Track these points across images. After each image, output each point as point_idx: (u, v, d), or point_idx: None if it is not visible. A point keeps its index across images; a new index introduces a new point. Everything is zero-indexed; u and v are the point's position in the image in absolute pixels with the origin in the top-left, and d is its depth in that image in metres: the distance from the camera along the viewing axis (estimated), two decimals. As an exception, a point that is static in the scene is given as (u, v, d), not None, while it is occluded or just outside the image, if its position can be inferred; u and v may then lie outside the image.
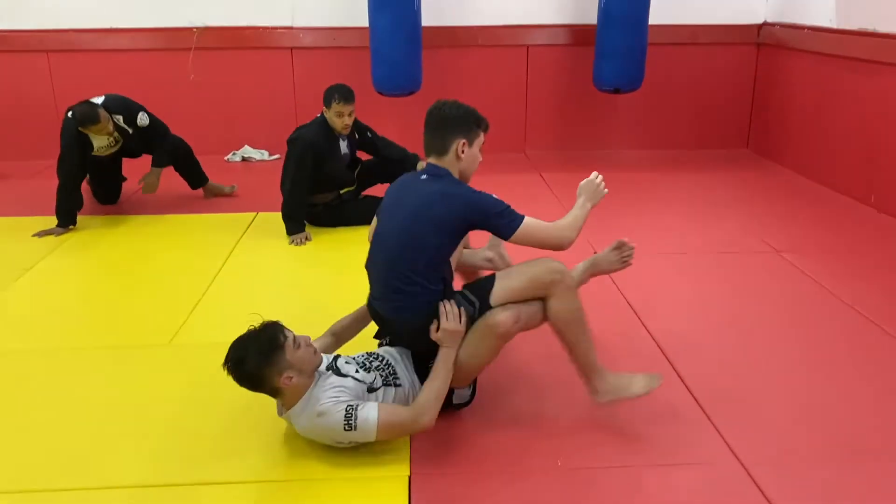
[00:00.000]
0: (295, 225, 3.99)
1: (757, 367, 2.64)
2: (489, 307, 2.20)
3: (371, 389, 2.14)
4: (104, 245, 3.99)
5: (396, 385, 2.21)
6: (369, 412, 2.02)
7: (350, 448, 2.10)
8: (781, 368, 2.64)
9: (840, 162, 4.75)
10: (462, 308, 2.19)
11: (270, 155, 5.71)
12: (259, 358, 2.01)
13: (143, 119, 4.33)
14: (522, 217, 2.24)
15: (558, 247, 2.28)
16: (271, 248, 3.92)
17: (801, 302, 3.18)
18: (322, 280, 3.53)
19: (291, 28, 5.62)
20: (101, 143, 4.26)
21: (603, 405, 2.26)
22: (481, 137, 2.33)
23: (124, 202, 4.70)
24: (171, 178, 4.66)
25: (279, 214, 4.07)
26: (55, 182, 4.21)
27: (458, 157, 2.27)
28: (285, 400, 2.11)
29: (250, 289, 3.42)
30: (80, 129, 4.09)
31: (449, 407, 2.26)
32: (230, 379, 2.07)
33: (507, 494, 2.00)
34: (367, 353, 2.31)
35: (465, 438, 2.24)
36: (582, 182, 2.45)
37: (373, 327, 2.49)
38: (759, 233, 3.98)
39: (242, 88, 5.68)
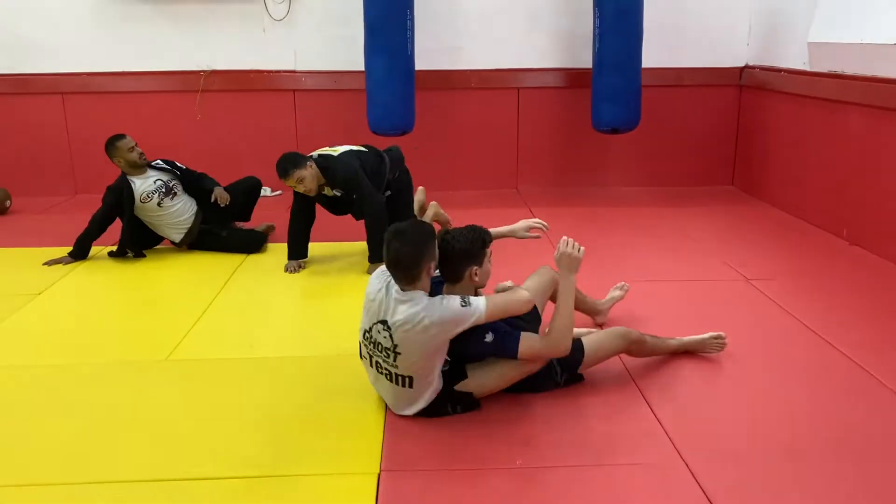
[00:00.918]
0: (290, 253, 4.21)
1: (713, 381, 2.81)
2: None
3: None
4: (112, 272, 4.22)
5: None
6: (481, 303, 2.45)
7: (322, 444, 2.30)
8: (737, 381, 2.81)
9: (814, 197, 4.96)
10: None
11: (273, 191, 5.96)
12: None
13: (179, 165, 4.62)
14: (517, 341, 2.49)
15: (561, 354, 2.57)
16: (270, 276, 4.14)
17: (763, 324, 3.35)
18: (314, 305, 3.73)
19: (294, 71, 5.92)
20: (145, 185, 4.40)
21: None
22: (488, 252, 2.59)
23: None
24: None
25: (280, 244, 4.36)
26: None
27: (472, 280, 2.54)
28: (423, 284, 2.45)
29: (246, 311, 3.62)
30: (111, 155, 4.38)
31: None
32: (218, 388, 2.28)
33: (471, 493, 2.17)
34: None
35: (437, 438, 2.43)
36: (556, 254, 2.64)
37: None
38: (732, 262, 4.16)
39: (247, 128, 5.97)
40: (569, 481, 2.23)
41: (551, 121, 6.10)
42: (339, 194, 4.16)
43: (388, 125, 5.33)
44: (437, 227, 4.44)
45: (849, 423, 2.52)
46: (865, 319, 3.38)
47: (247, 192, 4.74)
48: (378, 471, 2.25)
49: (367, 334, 2.50)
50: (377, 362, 2.49)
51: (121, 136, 4.43)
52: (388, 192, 4.27)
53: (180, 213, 4.50)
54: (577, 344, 2.66)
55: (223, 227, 4.60)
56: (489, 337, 2.47)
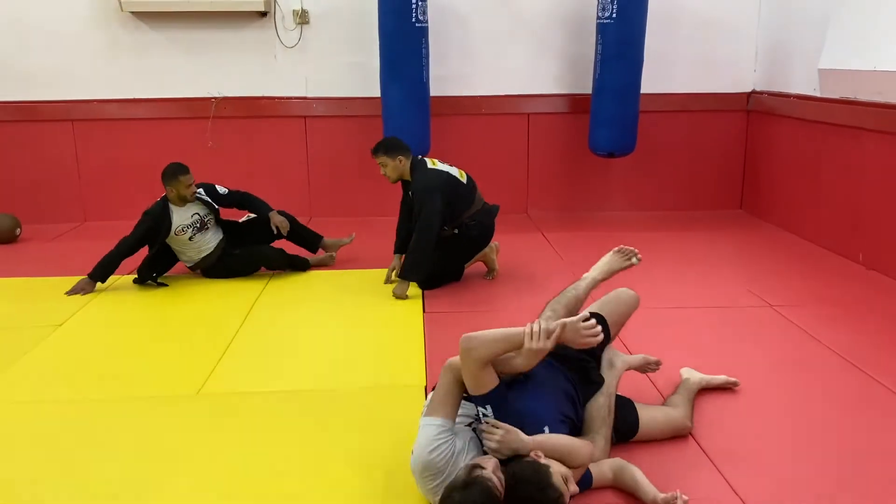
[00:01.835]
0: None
1: (751, 412, 2.80)
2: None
3: None
4: (131, 301, 4.18)
5: None
6: None
7: (364, 482, 2.27)
8: (774, 414, 2.80)
9: (828, 222, 4.99)
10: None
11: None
12: None
13: (221, 189, 4.59)
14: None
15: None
16: (294, 302, 4.13)
17: (798, 353, 3.35)
18: (344, 333, 3.71)
19: (305, 98, 5.93)
20: (182, 218, 4.36)
21: None
22: None
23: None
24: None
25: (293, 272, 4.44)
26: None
27: None
28: None
29: (272, 340, 3.60)
30: (168, 184, 4.29)
31: None
32: (253, 423, 2.24)
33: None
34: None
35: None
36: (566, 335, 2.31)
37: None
38: (753, 288, 4.17)
39: (258, 155, 5.96)
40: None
41: (560, 146, 6.13)
42: (410, 197, 4.26)
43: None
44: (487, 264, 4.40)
45: None
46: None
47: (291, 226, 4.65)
48: (429, 508, 2.22)
49: None
50: None
51: (184, 170, 4.33)
52: (456, 231, 4.26)
53: (207, 243, 4.49)
54: (632, 425, 2.57)
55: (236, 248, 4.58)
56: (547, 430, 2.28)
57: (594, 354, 2.64)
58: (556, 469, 2.08)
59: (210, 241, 4.50)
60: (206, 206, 4.48)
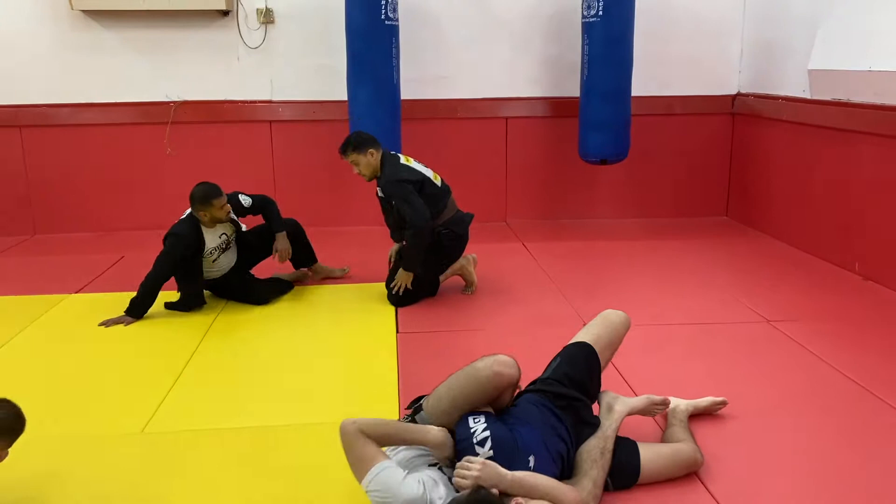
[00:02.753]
0: None
1: (759, 445, 2.54)
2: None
3: None
4: (71, 327, 3.79)
5: None
6: None
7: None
8: (784, 447, 2.54)
9: (821, 228, 4.77)
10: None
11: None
12: None
13: (245, 200, 4.13)
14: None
15: None
16: (252, 322, 3.79)
17: (801, 373, 3.10)
18: (305, 363, 3.38)
19: (270, 102, 5.60)
20: (213, 240, 3.95)
21: None
22: None
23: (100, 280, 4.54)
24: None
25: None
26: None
27: None
28: None
29: (228, 369, 3.27)
30: (201, 208, 3.84)
31: None
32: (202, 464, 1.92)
33: None
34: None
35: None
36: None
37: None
38: (748, 302, 3.92)
39: (220, 162, 5.61)
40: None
41: (540, 151, 5.87)
42: (381, 195, 4.01)
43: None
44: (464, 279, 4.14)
45: (919, 492, 2.26)
46: (902, 365, 3.16)
47: (296, 237, 4.25)
48: None
49: None
50: None
51: (216, 192, 3.85)
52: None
53: (223, 264, 4.08)
54: (633, 468, 2.26)
55: (237, 273, 4.15)
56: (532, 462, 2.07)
57: (587, 392, 2.36)
58: None
59: (228, 262, 4.10)
60: (233, 224, 4.08)
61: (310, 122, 5.60)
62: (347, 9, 4.91)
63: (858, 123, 4.36)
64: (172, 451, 2.56)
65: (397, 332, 3.61)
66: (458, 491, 1.93)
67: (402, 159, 4.03)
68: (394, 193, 3.87)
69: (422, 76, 5.55)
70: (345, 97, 5.13)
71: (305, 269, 4.43)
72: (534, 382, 2.42)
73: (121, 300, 3.88)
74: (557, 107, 5.74)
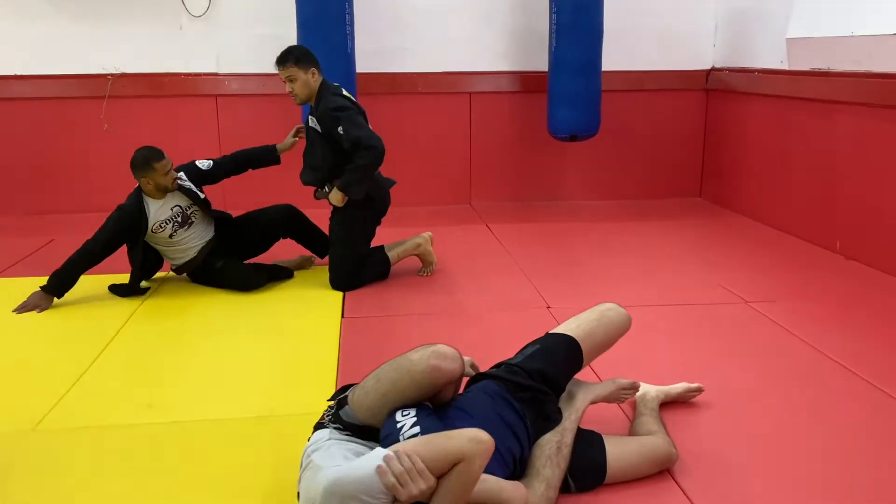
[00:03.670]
0: None
1: (739, 437, 2.24)
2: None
3: None
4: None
5: None
6: None
7: None
8: (767, 437, 2.25)
9: (800, 207, 4.51)
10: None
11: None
12: None
13: (203, 163, 3.76)
14: None
15: None
16: (185, 307, 3.44)
17: (781, 355, 2.82)
18: (226, 355, 3.03)
19: (216, 74, 5.23)
20: (161, 212, 3.56)
21: None
22: None
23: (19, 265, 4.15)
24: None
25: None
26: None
27: None
28: None
29: (151, 358, 2.91)
30: (142, 175, 3.47)
31: None
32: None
33: None
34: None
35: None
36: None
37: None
38: (725, 283, 3.65)
39: (163, 139, 5.08)
40: None
41: (506, 128, 5.56)
42: (317, 128, 3.55)
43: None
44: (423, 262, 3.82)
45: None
46: (888, 345, 2.89)
47: (277, 223, 3.89)
48: None
49: None
50: None
51: (158, 155, 3.48)
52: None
53: (191, 241, 3.68)
54: (598, 466, 1.96)
55: (224, 258, 3.71)
56: None
57: (557, 386, 2.04)
58: None
59: (195, 239, 3.69)
60: (188, 194, 3.67)
61: (258, 96, 5.23)
62: (295, -31, 4.55)
63: (838, 93, 4.10)
64: (63, 450, 2.20)
65: (343, 316, 3.28)
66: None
67: (344, 92, 3.65)
68: (339, 117, 3.45)
69: (379, 48, 5.21)
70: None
71: (310, 254, 4.01)
72: (498, 366, 2.09)
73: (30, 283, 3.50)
74: (525, 81, 5.43)
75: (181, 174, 3.65)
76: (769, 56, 4.80)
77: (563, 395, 2.07)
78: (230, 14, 5.14)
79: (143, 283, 3.67)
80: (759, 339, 3.00)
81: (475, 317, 3.27)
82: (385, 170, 4.34)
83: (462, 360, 1.85)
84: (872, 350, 2.86)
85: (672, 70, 5.56)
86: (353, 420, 1.79)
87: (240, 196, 4.58)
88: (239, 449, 2.20)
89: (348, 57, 4.71)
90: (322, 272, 3.79)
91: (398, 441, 1.67)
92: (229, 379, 2.69)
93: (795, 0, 4.47)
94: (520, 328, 2.23)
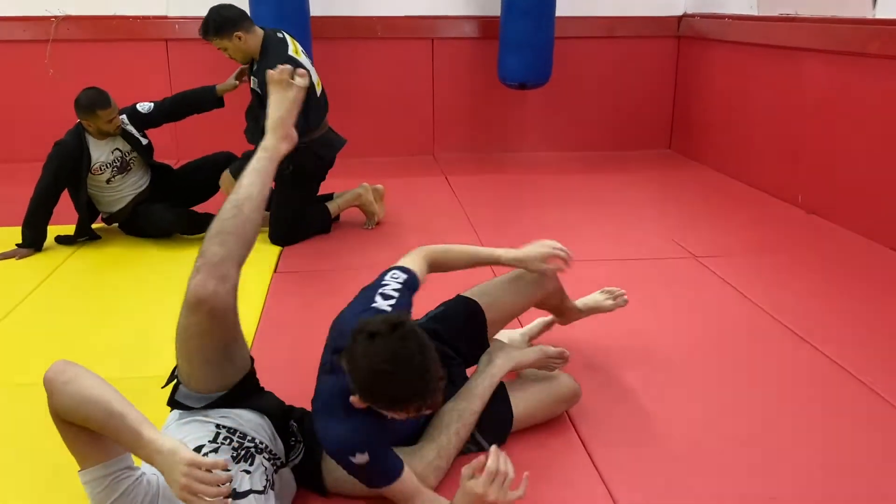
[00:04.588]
0: None
1: (666, 386, 2.16)
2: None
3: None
4: None
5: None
6: None
7: None
8: (683, 386, 2.16)
9: (764, 159, 4.38)
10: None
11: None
12: None
13: (143, 106, 3.60)
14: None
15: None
16: (109, 265, 3.31)
17: (717, 313, 2.73)
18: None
19: (166, 18, 5.01)
20: (101, 153, 3.43)
21: None
22: None
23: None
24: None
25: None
26: None
27: None
28: None
29: (59, 320, 2.80)
30: (84, 117, 3.32)
31: None
32: None
33: None
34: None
35: None
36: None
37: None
38: (677, 237, 3.54)
39: (110, 85, 4.85)
40: None
41: (471, 77, 5.36)
42: (258, 90, 3.35)
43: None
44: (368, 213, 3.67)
45: (835, 435, 1.91)
46: (836, 304, 2.79)
47: (220, 168, 3.68)
48: None
49: None
50: None
51: (104, 102, 3.31)
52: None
53: (126, 189, 3.55)
54: (506, 418, 1.89)
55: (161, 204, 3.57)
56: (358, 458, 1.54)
57: (475, 347, 1.96)
58: None
59: (129, 188, 3.55)
60: (129, 140, 3.51)
61: (210, 41, 5.01)
62: None
63: (802, 40, 3.93)
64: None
65: (275, 271, 3.16)
66: None
67: (291, 49, 3.42)
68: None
69: (335, -11, 5.00)
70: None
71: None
72: None
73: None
74: (487, 27, 5.22)
75: (123, 117, 3.50)
76: (740, 1, 4.61)
77: (482, 359, 1.97)
78: (178, -48, 4.90)
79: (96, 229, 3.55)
80: (699, 294, 2.90)
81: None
82: (343, 118, 4.19)
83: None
84: (815, 306, 2.77)
85: (643, 16, 5.35)
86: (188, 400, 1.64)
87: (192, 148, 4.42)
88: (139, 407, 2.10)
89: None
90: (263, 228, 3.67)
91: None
92: (140, 337, 2.57)
93: (766, -59, 4.27)
94: (454, 283, 2.11)
